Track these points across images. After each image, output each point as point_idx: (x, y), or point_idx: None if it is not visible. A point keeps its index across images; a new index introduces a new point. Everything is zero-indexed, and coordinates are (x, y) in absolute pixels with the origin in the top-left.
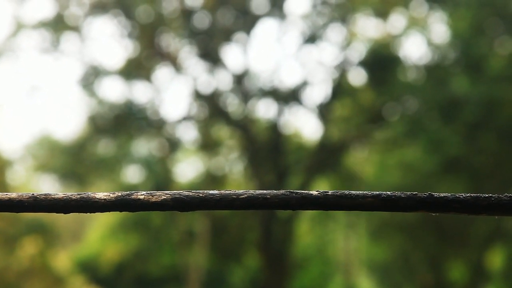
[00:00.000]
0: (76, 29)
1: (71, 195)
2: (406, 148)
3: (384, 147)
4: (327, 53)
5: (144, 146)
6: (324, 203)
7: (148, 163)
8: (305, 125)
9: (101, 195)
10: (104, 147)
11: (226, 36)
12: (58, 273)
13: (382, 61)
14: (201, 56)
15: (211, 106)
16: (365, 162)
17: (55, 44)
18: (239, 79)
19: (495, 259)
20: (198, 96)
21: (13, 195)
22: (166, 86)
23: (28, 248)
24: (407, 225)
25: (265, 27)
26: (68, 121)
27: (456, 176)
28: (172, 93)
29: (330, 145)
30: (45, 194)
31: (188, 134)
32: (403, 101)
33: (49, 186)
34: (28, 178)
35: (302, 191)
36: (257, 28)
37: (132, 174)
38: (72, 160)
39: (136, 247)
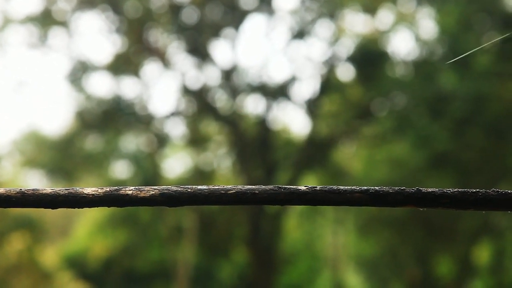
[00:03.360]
0: (64, 24)
1: (59, 190)
2: (394, 143)
3: (372, 143)
4: (316, 49)
5: (132, 142)
6: (312, 198)
7: (136, 159)
8: (293, 121)
9: (89, 190)
10: (92, 142)
11: (215, 31)
12: (45, 269)
13: (370, 56)
14: (189, 51)
15: (199, 102)
16: (353, 158)
17: (43, 39)
18: (228, 74)
19: (482, 254)
20: (186, 91)
21: (0, 190)
22: (154, 81)
23: (16, 244)
24: (395, 220)
25: (254, 23)
26: (56, 117)
27: (443, 171)
28: (160, 88)
29: (318, 141)
30: (33, 190)
31: (177, 129)
32: (391, 96)
33: (37, 181)
34: (15, 173)
35: (290, 187)
36: (245, 24)
37: (120, 169)
38: (60, 155)
39: (124, 243)
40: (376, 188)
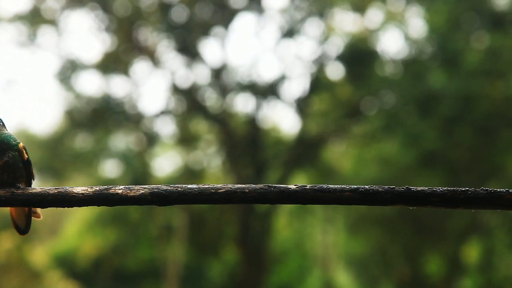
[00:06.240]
0: (53, 22)
1: (49, 189)
2: (383, 142)
3: (361, 141)
4: (305, 48)
5: (122, 140)
6: (302, 197)
7: (126, 158)
8: (283, 120)
9: (79, 189)
10: (82, 141)
11: (204, 30)
12: (35, 268)
13: (359, 55)
14: (179, 50)
15: (189, 100)
16: (343, 156)
17: (32, 37)
18: (217, 73)
19: (471, 252)
20: (176, 90)
21: None
22: (144, 80)
23: (5, 243)
24: (385, 219)
25: (243, 21)
26: (45, 115)
27: (433, 170)
28: (150, 87)
29: (308, 139)
30: (23, 189)
31: (166, 128)
32: (381, 95)
33: None
34: None
35: (280, 185)
36: (235, 22)
37: (110, 168)
38: (49, 154)
39: (114, 242)
40: (366, 187)
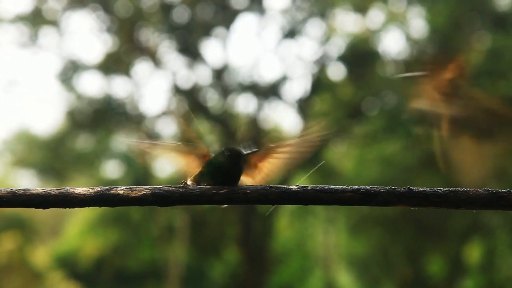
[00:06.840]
0: (54, 23)
1: (50, 190)
2: (385, 142)
3: (363, 142)
4: (307, 48)
5: (123, 141)
6: (303, 198)
7: (127, 158)
8: (284, 120)
9: (80, 190)
10: (83, 142)
11: (206, 30)
12: (36, 269)
13: (361, 56)
14: (180, 51)
15: (190, 101)
16: (344, 157)
17: (33, 38)
18: (219, 73)
19: (473, 253)
20: (177, 90)
21: None
22: (145, 80)
23: (7, 244)
24: (386, 220)
25: (245, 22)
26: (47, 116)
27: (434, 170)
28: (151, 88)
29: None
30: (24, 190)
31: (167, 128)
32: (382, 96)
33: (28, 181)
34: (6, 173)
35: (281, 186)
36: (236, 23)
37: (112, 169)
38: (50, 155)
39: (116, 242)
40: (367, 187)
